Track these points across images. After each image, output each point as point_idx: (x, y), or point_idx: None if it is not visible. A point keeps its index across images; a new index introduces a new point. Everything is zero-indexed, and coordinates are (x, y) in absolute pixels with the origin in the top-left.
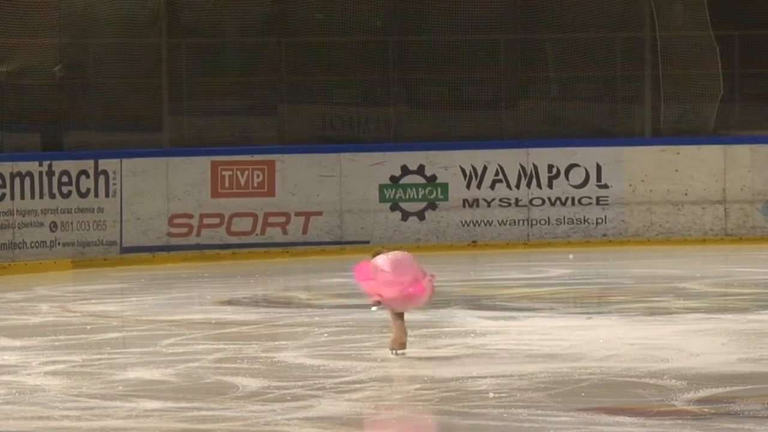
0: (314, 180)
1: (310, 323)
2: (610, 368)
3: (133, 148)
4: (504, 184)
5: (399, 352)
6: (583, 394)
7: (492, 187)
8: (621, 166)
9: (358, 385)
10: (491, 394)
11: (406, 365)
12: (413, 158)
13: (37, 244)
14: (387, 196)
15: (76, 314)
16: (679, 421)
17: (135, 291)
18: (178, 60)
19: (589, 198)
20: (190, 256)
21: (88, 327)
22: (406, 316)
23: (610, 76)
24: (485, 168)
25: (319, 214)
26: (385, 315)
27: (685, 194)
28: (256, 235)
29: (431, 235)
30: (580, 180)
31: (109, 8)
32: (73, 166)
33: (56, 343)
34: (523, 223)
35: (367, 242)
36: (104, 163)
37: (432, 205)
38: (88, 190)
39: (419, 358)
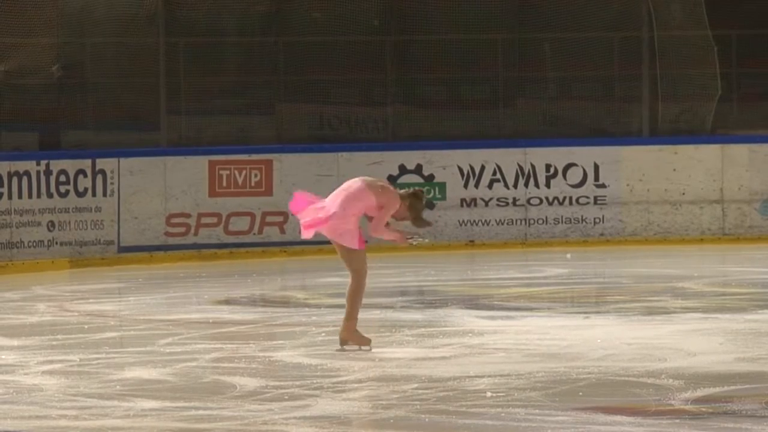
0: (312, 179)
1: (307, 323)
2: (607, 368)
3: (131, 147)
4: (501, 183)
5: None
6: (580, 393)
7: (489, 186)
8: (618, 165)
9: (355, 385)
10: (489, 394)
11: (403, 365)
12: (411, 157)
13: (34, 244)
14: None
15: (73, 314)
16: (677, 421)
17: (132, 290)
18: (176, 59)
19: (587, 197)
20: (188, 256)
21: (86, 326)
22: (404, 315)
23: (607, 75)
24: (483, 167)
25: None
26: (384, 315)
27: (683, 194)
28: (254, 234)
29: (428, 235)
30: (577, 179)
31: (106, 7)
32: (70, 165)
33: (54, 343)
34: (521, 223)
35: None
36: (102, 163)
37: (429, 205)
38: (86, 189)
39: (417, 358)
